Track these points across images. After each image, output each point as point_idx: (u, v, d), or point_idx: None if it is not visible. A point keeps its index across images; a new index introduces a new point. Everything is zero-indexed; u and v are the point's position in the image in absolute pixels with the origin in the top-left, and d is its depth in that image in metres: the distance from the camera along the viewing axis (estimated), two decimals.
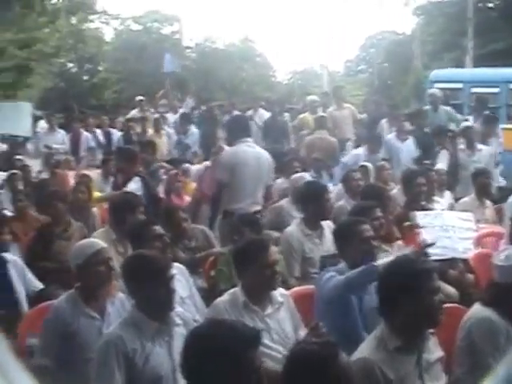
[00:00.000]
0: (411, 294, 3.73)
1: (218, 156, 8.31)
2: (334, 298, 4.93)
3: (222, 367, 2.97)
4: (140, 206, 6.81)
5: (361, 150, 11.78)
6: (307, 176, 8.87)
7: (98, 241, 5.23)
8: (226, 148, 8.44)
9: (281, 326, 4.86)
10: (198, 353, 3.09)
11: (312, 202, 6.94)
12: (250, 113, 15.67)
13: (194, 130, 15.12)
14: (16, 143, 15.00)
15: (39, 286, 6.13)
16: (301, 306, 5.26)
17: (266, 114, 15.46)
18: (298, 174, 8.91)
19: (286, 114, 16.61)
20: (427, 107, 13.21)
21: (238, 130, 8.05)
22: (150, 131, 14.69)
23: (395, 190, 8.67)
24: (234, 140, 7.97)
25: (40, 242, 7.31)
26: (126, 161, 8.88)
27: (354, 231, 5.25)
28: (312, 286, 5.62)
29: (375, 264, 4.67)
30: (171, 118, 16.86)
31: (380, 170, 9.76)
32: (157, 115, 16.04)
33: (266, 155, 8.05)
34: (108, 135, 15.59)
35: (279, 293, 5.01)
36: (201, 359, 3.05)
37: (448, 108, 13.32)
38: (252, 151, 7.89)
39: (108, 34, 51.00)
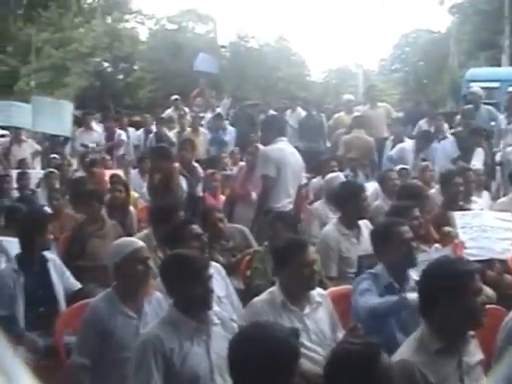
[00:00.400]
0: (453, 295, 3.67)
1: (261, 153, 8.25)
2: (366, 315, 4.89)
3: (263, 370, 2.97)
4: (178, 212, 6.81)
5: (407, 144, 11.72)
6: (342, 175, 8.81)
7: (135, 240, 5.24)
8: (263, 147, 8.39)
9: (319, 327, 4.84)
10: (240, 357, 3.11)
11: (348, 201, 6.89)
12: (287, 112, 15.63)
13: (230, 127, 15.13)
14: (56, 143, 15.09)
15: (77, 284, 6.15)
16: (338, 306, 5.23)
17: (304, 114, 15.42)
18: (333, 174, 8.87)
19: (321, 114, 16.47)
20: (469, 106, 12.96)
21: (274, 129, 8.08)
22: (188, 130, 14.69)
23: (433, 190, 8.58)
24: (270, 139, 7.98)
25: (75, 241, 7.37)
26: (161, 159, 8.90)
27: (392, 233, 5.17)
28: (349, 287, 5.57)
29: (406, 297, 4.61)
30: (208, 117, 16.86)
31: (423, 170, 9.67)
32: (193, 114, 16.02)
33: (299, 155, 8.10)
34: (148, 134, 15.56)
35: (317, 292, 4.99)
36: (243, 363, 3.08)
37: (489, 107, 13.14)
38: (290, 151, 7.97)
39: (143, 34, 51.25)
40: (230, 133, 14.91)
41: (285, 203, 7.65)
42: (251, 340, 3.13)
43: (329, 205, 8.04)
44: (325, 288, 5.69)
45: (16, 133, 14.08)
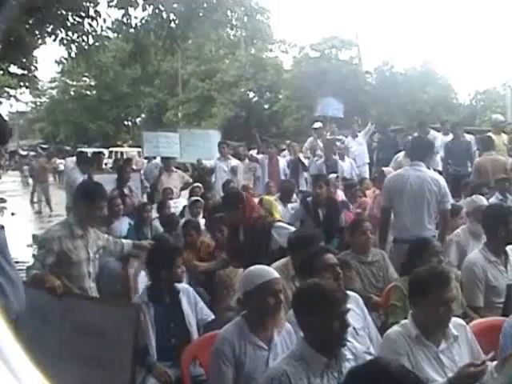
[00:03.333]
0: None
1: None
2: None
3: None
4: (318, 241, 6.56)
5: None
6: (479, 198, 8.26)
7: (270, 270, 4.93)
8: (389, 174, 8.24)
9: (456, 364, 4.38)
10: None
11: (497, 225, 6.49)
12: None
13: None
14: (202, 171, 15.30)
15: (210, 315, 6.02)
16: (485, 338, 4.84)
17: (439, 136, 14.96)
18: (472, 197, 8.40)
19: (467, 135, 15.86)
20: None
21: (412, 152, 7.99)
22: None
23: None
24: (407, 163, 7.84)
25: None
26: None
27: None
28: (498, 318, 5.18)
29: None
30: (351, 142, 16.69)
31: None
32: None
33: (431, 178, 7.63)
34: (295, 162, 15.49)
35: (454, 324, 4.55)
36: None
37: None
38: (414, 175, 7.58)
39: (287, 62, 51.74)
40: None
41: (413, 233, 7.22)
42: (361, 376, 2.91)
43: (470, 231, 7.62)
44: (469, 318, 5.33)
45: (165, 163, 14.23)
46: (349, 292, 4.85)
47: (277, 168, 14.81)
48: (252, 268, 4.97)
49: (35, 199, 27.10)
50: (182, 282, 6.21)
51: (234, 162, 14.94)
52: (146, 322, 5.63)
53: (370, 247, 7.26)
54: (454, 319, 4.60)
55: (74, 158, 14.93)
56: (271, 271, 4.84)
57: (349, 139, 17.20)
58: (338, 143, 15.81)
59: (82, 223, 6.20)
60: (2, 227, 3.40)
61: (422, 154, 7.77)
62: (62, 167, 38.52)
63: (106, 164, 16.17)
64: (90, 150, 22.91)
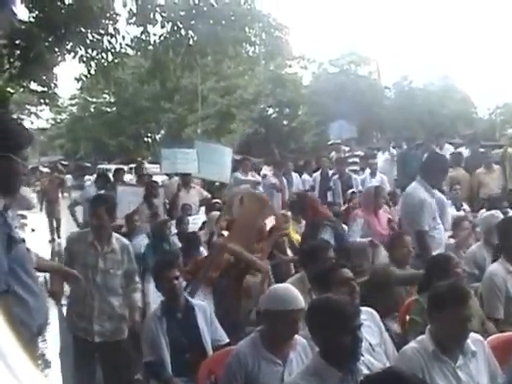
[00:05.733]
0: None
1: None
2: None
3: None
4: (327, 253, 6.55)
5: None
6: (499, 213, 8.26)
7: (298, 298, 4.70)
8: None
9: (474, 379, 4.35)
10: None
11: (508, 237, 6.51)
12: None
13: None
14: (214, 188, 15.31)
15: (225, 338, 5.95)
16: (501, 352, 4.80)
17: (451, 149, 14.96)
18: (489, 212, 8.41)
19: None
20: None
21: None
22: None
23: None
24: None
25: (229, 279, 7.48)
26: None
27: None
28: None
29: None
30: (381, 157, 16.64)
31: None
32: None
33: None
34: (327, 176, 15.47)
35: (472, 339, 4.51)
36: None
37: None
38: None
39: (306, 78, 51.67)
40: None
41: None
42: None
43: (486, 246, 7.61)
44: (486, 330, 5.30)
45: (183, 179, 14.20)
46: (364, 308, 4.86)
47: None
48: (281, 288, 4.94)
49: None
50: (181, 295, 6.08)
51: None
52: (158, 335, 5.67)
53: (410, 261, 7.22)
54: (472, 334, 4.55)
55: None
56: (299, 300, 4.69)
57: (379, 154, 17.10)
58: (352, 159, 15.78)
59: (93, 232, 6.37)
60: (23, 240, 3.45)
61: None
62: (69, 182, 38.54)
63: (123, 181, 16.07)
64: (110, 167, 22.89)
